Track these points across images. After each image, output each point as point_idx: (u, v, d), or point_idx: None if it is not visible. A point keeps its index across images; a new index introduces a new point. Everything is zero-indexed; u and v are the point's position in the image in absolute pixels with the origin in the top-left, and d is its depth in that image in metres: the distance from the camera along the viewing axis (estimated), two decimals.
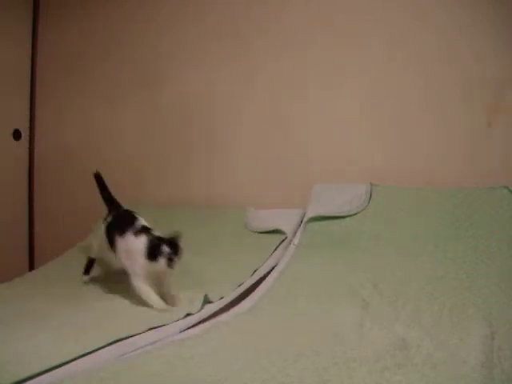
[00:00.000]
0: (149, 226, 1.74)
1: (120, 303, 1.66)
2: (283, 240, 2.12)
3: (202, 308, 1.58)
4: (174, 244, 1.60)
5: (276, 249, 2.07)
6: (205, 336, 1.33)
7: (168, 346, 1.24)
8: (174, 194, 2.67)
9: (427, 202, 1.94)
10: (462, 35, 2.09)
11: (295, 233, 2.12)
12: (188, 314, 1.54)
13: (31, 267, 3.02)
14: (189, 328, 1.46)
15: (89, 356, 1.22)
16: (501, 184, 1.88)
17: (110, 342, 1.29)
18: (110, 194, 2.00)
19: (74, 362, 1.18)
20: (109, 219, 1.88)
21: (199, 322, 1.51)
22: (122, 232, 1.71)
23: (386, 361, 1.08)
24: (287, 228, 2.15)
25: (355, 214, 2.00)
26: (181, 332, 1.43)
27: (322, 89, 2.35)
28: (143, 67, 2.80)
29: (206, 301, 1.64)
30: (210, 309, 1.61)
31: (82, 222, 2.78)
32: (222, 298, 1.69)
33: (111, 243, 1.79)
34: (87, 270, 1.96)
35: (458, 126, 2.10)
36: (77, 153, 2.99)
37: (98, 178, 2.02)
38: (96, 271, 2.05)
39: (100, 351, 1.25)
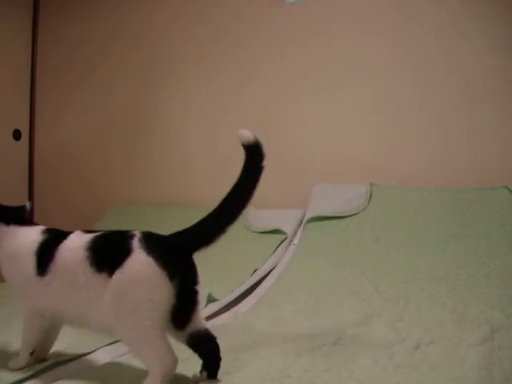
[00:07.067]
0: None
1: None
2: (283, 240, 2.12)
3: (205, 306, 1.58)
4: None
5: (276, 249, 2.08)
6: None
7: None
8: (174, 194, 2.66)
9: (427, 202, 1.93)
10: (462, 35, 2.09)
11: (295, 233, 2.12)
12: None
13: None
14: None
15: (89, 356, 1.22)
16: (501, 184, 1.88)
17: (110, 342, 1.29)
18: None
19: (74, 362, 1.18)
20: None
21: None
22: None
23: (385, 361, 1.08)
24: (287, 228, 2.15)
25: (355, 213, 2.00)
26: None
27: (322, 89, 2.34)
28: (144, 67, 2.80)
29: (210, 299, 1.64)
30: (210, 309, 1.60)
31: (82, 222, 2.79)
32: (221, 297, 1.68)
33: None
34: None
35: (457, 126, 2.10)
36: (77, 153, 3.00)
37: None
38: None
39: (100, 351, 1.25)
